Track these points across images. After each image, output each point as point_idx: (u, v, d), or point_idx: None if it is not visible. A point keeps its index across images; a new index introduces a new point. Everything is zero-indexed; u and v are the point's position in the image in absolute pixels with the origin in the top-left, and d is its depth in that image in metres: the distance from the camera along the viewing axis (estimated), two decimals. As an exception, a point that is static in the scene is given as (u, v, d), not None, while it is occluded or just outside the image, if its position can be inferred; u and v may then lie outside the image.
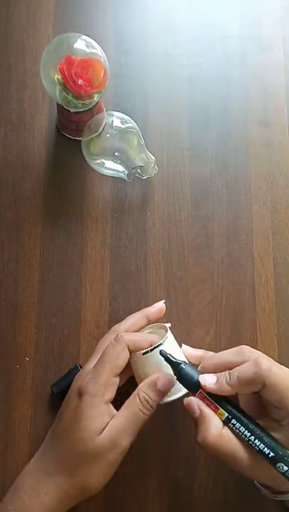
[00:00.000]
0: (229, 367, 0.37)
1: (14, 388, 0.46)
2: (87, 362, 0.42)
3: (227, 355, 0.38)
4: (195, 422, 0.36)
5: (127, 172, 0.48)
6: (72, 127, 0.49)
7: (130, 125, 0.48)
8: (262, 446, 0.35)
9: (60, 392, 0.44)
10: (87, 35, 0.45)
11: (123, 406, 0.39)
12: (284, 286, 0.49)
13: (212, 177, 0.52)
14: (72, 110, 0.45)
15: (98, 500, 0.43)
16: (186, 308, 0.48)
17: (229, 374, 0.36)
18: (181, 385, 0.38)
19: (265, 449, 0.34)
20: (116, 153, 0.47)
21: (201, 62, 0.55)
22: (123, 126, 0.47)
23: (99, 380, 0.38)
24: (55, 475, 0.38)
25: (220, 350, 0.39)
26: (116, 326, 0.43)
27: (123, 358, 0.39)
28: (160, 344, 0.39)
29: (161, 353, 0.38)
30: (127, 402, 0.39)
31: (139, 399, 0.38)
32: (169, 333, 0.41)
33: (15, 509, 0.38)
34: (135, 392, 0.39)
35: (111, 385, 0.39)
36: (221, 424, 0.36)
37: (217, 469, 0.45)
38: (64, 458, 0.38)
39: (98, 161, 0.48)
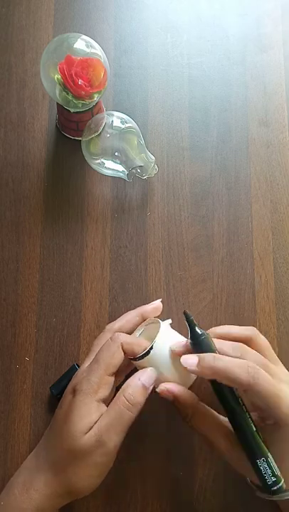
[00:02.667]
0: (235, 339, 0.39)
1: (14, 388, 0.46)
2: (84, 361, 0.42)
3: (236, 331, 0.41)
4: (174, 404, 0.38)
5: (127, 172, 0.48)
6: (72, 127, 0.49)
7: (130, 125, 0.48)
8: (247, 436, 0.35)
9: (60, 393, 0.44)
10: (87, 35, 0.45)
11: (109, 405, 0.38)
12: (284, 286, 0.49)
13: (212, 177, 0.52)
14: (72, 110, 0.45)
15: (98, 500, 0.43)
16: (186, 308, 0.48)
17: (214, 357, 0.36)
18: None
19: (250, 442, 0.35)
20: (116, 153, 0.47)
21: (201, 61, 0.55)
22: (123, 126, 0.47)
23: (92, 378, 0.38)
24: (45, 472, 0.38)
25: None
26: (110, 324, 0.43)
27: (118, 357, 0.39)
28: (150, 349, 0.38)
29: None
30: (113, 401, 0.38)
31: (124, 397, 0.38)
32: (163, 329, 0.40)
33: (7, 504, 0.38)
34: (120, 391, 0.38)
35: (105, 384, 0.39)
36: (197, 402, 0.38)
37: (217, 470, 0.45)
38: (54, 455, 0.38)
39: (98, 161, 0.48)
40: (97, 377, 0.38)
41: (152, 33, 0.55)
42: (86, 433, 0.37)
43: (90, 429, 0.37)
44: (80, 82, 0.42)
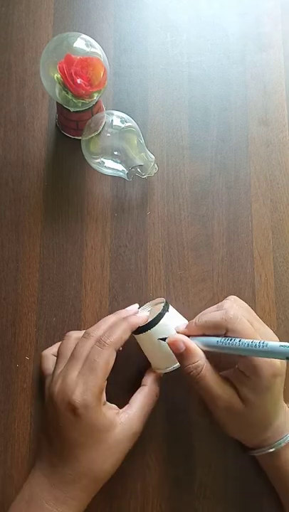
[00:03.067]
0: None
1: (14, 387, 0.46)
2: (56, 368, 0.41)
3: (210, 309, 0.42)
4: (181, 357, 0.38)
5: (126, 171, 0.48)
6: (71, 126, 0.49)
7: (130, 124, 0.48)
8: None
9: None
10: (86, 34, 0.45)
11: (137, 399, 0.41)
12: (284, 285, 0.49)
13: (212, 176, 0.52)
14: (71, 109, 0.45)
15: (98, 500, 0.43)
16: (186, 307, 0.48)
17: (198, 316, 0.40)
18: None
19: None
20: (116, 153, 0.47)
21: (200, 61, 0.55)
22: (123, 126, 0.47)
23: (94, 388, 0.38)
24: (79, 481, 0.38)
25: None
26: (92, 331, 0.42)
27: (112, 362, 0.39)
28: (153, 322, 0.40)
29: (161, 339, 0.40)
30: (141, 394, 0.42)
31: (154, 392, 0.42)
32: (167, 308, 0.42)
33: None
34: (147, 386, 0.42)
35: (103, 389, 0.39)
36: (204, 356, 0.38)
37: (217, 469, 0.45)
38: (86, 465, 0.38)
39: (98, 160, 0.48)
40: (98, 388, 0.38)
41: (152, 32, 0.55)
42: (115, 430, 0.39)
43: (117, 425, 0.39)
44: (79, 81, 0.42)
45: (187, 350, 0.38)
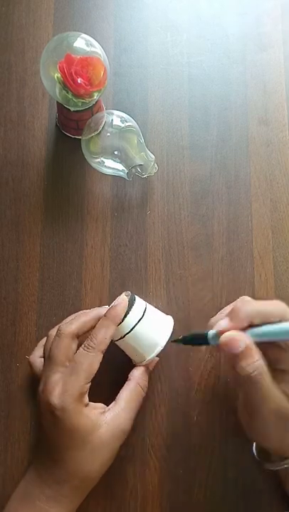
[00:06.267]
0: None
1: (14, 387, 0.46)
2: (43, 369, 0.40)
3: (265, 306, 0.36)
4: (238, 357, 0.34)
5: (126, 171, 0.48)
6: (72, 126, 0.49)
7: (130, 124, 0.48)
8: None
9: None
10: (86, 34, 0.45)
11: (123, 394, 0.40)
12: (284, 284, 0.49)
13: (212, 176, 0.52)
14: (72, 109, 0.45)
15: (98, 500, 0.43)
16: (185, 306, 0.48)
17: (238, 308, 0.35)
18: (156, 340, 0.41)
19: None
20: (116, 152, 0.47)
21: (200, 60, 0.55)
22: (123, 125, 0.47)
23: (72, 391, 0.37)
24: (70, 481, 0.38)
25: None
26: (64, 327, 0.40)
27: (97, 365, 0.39)
28: (132, 329, 0.40)
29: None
30: (127, 389, 0.41)
31: (140, 386, 0.41)
32: (136, 306, 0.41)
33: None
34: (133, 380, 0.41)
35: (85, 391, 0.38)
36: (261, 357, 0.34)
37: (217, 468, 0.45)
38: (74, 467, 0.38)
39: (98, 160, 0.48)
40: (78, 390, 0.38)
41: (152, 32, 0.55)
42: (100, 430, 0.38)
43: (102, 425, 0.38)
44: (79, 80, 0.42)
45: (248, 348, 0.34)
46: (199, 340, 0.37)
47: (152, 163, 0.48)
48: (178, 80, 0.54)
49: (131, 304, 0.41)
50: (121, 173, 0.49)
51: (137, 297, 0.43)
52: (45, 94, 0.52)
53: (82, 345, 0.39)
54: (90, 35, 0.45)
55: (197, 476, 0.44)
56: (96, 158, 0.48)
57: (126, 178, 0.49)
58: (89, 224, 0.50)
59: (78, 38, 0.44)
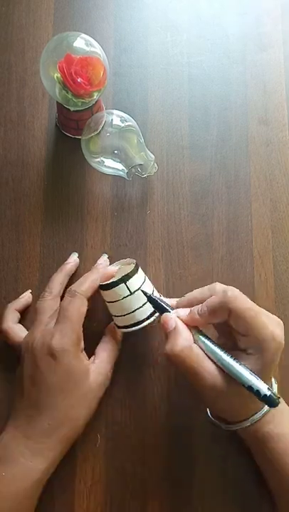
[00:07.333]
0: (201, 302, 0.39)
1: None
2: (35, 325, 0.43)
3: (198, 291, 0.40)
4: (167, 336, 0.38)
5: (126, 170, 0.48)
6: (71, 126, 0.49)
7: (130, 123, 0.48)
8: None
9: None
10: (86, 34, 0.45)
11: (101, 348, 0.44)
12: (284, 284, 0.49)
13: (212, 175, 0.52)
14: (71, 109, 0.45)
15: (98, 500, 0.43)
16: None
17: (200, 305, 0.38)
18: (148, 313, 0.41)
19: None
20: (115, 152, 0.47)
21: (200, 60, 0.55)
22: (123, 125, 0.47)
23: (71, 334, 0.40)
24: (58, 430, 0.39)
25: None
26: (51, 287, 0.45)
27: (84, 309, 0.42)
28: (126, 276, 0.41)
29: (142, 291, 0.41)
30: (105, 343, 0.44)
31: (115, 340, 0.45)
32: (137, 270, 0.42)
33: (17, 471, 0.38)
34: (109, 335, 0.45)
35: (81, 336, 0.41)
36: (191, 339, 0.38)
37: (217, 468, 0.45)
38: (64, 412, 0.40)
39: (98, 160, 0.48)
40: (76, 332, 0.41)
41: (152, 32, 0.55)
42: (89, 376, 0.41)
43: (90, 372, 0.41)
44: (79, 80, 0.42)
45: (176, 329, 0.38)
46: (158, 308, 0.41)
47: (152, 163, 0.48)
48: (178, 79, 0.54)
49: (136, 268, 0.42)
50: (121, 172, 0.49)
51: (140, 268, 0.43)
52: (45, 94, 0.52)
53: (67, 293, 0.42)
54: (90, 35, 0.45)
55: (197, 476, 0.44)
56: (96, 157, 0.48)
57: (126, 177, 0.49)
58: (89, 224, 0.50)
59: (78, 38, 0.44)
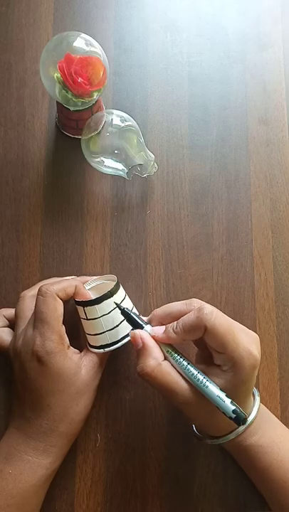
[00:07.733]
0: (177, 317, 0.38)
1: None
2: (16, 330, 0.43)
3: (176, 305, 0.39)
4: (137, 354, 0.38)
5: (126, 170, 0.48)
6: (71, 125, 0.49)
7: (130, 123, 0.48)
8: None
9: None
10: (86, 34, 0.45)
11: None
12: (283, 284, 0.49)
13: (212, 175, 0.52)
14: (71, 108, 0.45)
15: (98, 499, 0.43)
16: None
17: (176, 323, 0.38)
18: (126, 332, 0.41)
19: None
20: (115, 152, 0.47)
21: (200, 60, 0.55)
22: (123, 125, 0.47)
23: (52, 336, 0.39)
24: (57, 428, 0.39)
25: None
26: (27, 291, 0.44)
27: (59, 307, 0.40)
28: (107, 294, 0.40)
29: (116, 303, 0.40)
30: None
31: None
32: (117, 289, 0.42)
33: (23, 470, 0.39)
34: None
35: (63, 334, 0.41)
36: (161, 356, 0.37)
37: (216, 468, 0.45)
38: (60, 411, 0.39)
39: (98, 159, 0.48)
40: (56, 332, 0.40)
41: (152, 32, 0.55)
42: (82, 372, 0.40)
43: (82, 367, 0.41)
44: (79, 80, 0.42)
45: (144, 348, 0.37)
46: (132, 323, 0.40)
47: (152, 163, 0.48)
48: (178, 79, 0.54)
49: (117, 286, 0.42)
50: (121, 172, 0.49)
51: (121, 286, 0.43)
52: (45, 94, 0.52)
53: (38, 291, 0.41)
54: (90, 35, 0.45)
55: (197, 476, 0.44)
56: (96, 157, 0.48)
57: (126, 177, 0.49)
58: (89, 224, 0.50)
59: (78, 38, 0.44)
